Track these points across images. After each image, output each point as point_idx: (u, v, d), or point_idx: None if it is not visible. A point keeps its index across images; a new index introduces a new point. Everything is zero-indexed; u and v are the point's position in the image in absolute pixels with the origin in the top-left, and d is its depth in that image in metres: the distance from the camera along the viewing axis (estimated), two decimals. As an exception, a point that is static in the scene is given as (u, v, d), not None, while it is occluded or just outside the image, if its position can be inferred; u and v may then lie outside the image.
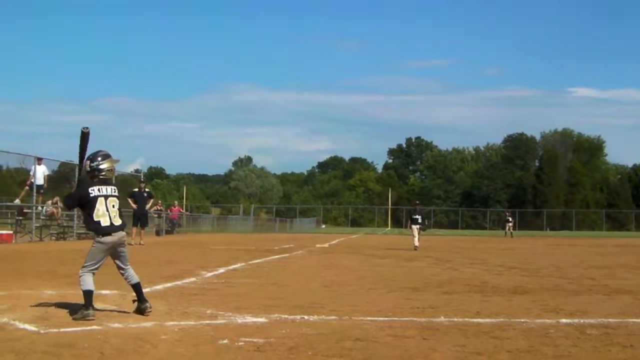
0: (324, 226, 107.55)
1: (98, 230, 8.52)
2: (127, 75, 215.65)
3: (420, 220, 29.82)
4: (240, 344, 6.92)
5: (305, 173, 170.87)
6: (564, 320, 8.80)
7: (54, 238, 30.16)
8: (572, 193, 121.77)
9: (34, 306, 9.05)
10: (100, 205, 8.50)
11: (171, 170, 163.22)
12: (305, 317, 8.60)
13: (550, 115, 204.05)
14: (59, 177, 33.99)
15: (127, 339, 7.02)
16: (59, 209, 31.18)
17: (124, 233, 8.77)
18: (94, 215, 8.49)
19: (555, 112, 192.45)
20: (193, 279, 13.55)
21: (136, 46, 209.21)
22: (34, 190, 28.13)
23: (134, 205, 27.79)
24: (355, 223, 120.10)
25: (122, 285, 11.75)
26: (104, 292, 10.89)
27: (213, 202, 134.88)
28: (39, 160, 28.75)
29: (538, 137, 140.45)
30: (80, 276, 8.48)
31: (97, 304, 9.44)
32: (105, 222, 8.50)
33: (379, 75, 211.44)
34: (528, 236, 63.14)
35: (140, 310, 8.56)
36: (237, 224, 74.85)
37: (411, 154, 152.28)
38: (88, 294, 8.30)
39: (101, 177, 8.65)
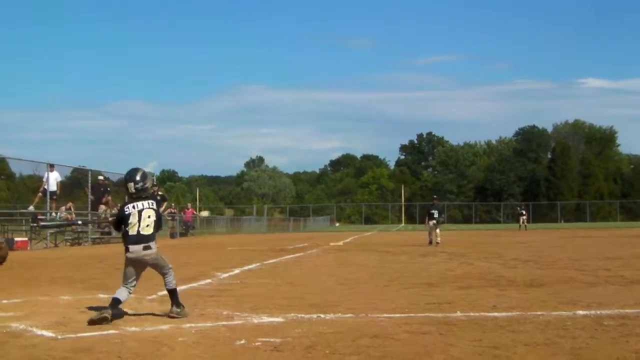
0: (337, 224, 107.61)
1: (125, 240, 8.70)
2: (139, 80, 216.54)
3: (436, 216, 29.86)
4: (257, 344, 6.93)
5: (318, 172, 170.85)
6: (580, 312, 8.78)
7: (68, 244, 30.26)
8: (586, 184, 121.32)
9: (50, 312, 9.08)
10: (132, 218, 8.61)
11: (184, 172, 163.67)
12: (322, 315, 8.60)
13: (562, 107, 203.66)
14: (72, 183, 34.07)
15: (145, 343, 7.04)
16: (73, 215, 31.27)
17: (149, 252, 8.73)
18: (128, 229, 8.62)
19: (566, 103, 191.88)
20: (208, 281, 13.58)
21: (147, 50, 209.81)
22: (47, 196, 28.21)
23: None
24: (369, 220, 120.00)
25: (138, 290, 11.80)
26: (120, 296, 10.92)
27: (226, 204, 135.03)
28: (52, 167, 28.84)
29: (550, 130, 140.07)
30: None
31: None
32: (132, 231, 8.61)
33: (390, 72, 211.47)
34: (542, 229, 62.98)
35: (168, 312, 8.68)
36: (251, 225, 74.93)
37: (423, 150, 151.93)
38: (115, 301, 8.44)
39: (143, 196, 8.82)
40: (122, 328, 7.86)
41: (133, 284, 8.76)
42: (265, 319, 8.48)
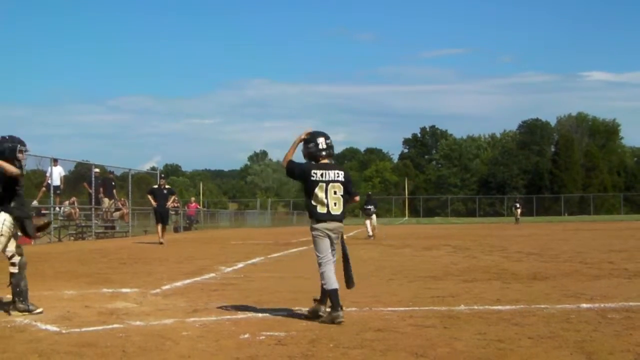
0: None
1: (312, 214, 8.12)
2: (143, 74, 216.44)
3: (373, 210, 31.80)
4: (261, 338, 6.94)
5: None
6: (584, 305, 8.79)
7: (72, 238, 30.25)
8: (590, 177, 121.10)
9: (55, 307, 9.10)
10: (319, 192, 8.04)
11: (187, 167, 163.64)
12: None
13: (565, 100, 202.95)
14: (76, 178, 34.08)
15: (149, 337, 7.05)
16: (77, 210, 31.29)
17: (340, 224, 8.26)
18: (312, 200, 8.07)
19: (570, 96, 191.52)
20: (213, 275, 13.59)
21: (151, 44, 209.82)
22: (51, 191, 28.20)
23: (154, 203, 27.45)
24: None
25: (142, 284, 11.84)
26: (124, 290, 10.97)
27: (230, 198, 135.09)
28: (55, 162, 28.84)
29: (553, 122, 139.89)
30: (321, 273, 8.06)
31: (118, 302, 9.51)
32: (322, 209, 8.05)
33: (394, 66, 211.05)
34: (546, 222, 62.92)
35: (332, 318, 7.80)
36: (255, 219, 74.91)
37: (426, 143, 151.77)
38: (333, 294, 7.86)
39: (322, 158, 8.20)
40: (126, 322, 7.89)
41: (331, 259, 8.23)
42: (270, 312, 8.49)
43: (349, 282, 8.22)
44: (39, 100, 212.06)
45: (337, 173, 8.15)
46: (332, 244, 8.12)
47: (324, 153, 8.18)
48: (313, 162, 8.16)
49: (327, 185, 8.02)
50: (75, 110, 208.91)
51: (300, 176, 8.18)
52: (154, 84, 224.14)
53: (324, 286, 7.91)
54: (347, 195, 8.24)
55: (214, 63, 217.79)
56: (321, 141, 8.19)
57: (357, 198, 8.59)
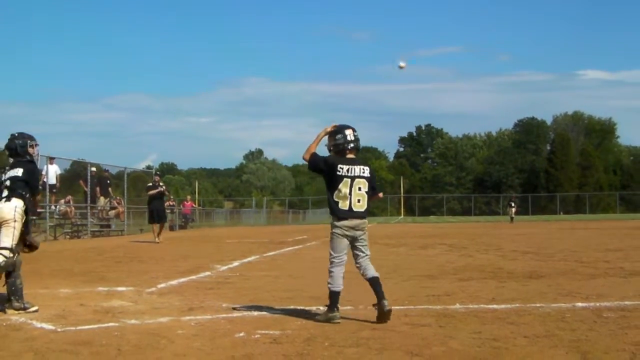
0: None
1: (333, 211, 7.95)
2: (140, 72, 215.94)
3: None
4: (256, 336, 6.94)
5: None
6: (580, 304, 8.79)
7: (68, 237, 30.23)
8: (585, 176, 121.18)
9: (50, 305, 9.08)
10: (344, 187, 7.86)
11: (183, 165, 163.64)
12: (321, 308, 8.55)
13: (561, 99, 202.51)
14: (71, 176, 34.07)
15: (144, 335, 7.04)
16: (72, 208, 31.27)
17: (364, 220, 8.07)
18: (335, 195, 7.90)
19: (566, 95, 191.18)
20: (208, 273, 13.58)
21: (148, 43, 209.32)
22: (47, 189, 28.19)
23: (157, 191, 26.81)
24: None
25: (137, 282, 11.83)
26: (119, 288, 10.96)
27: (225, 196, 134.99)
28: (51, 160, 28.84)
29: (549, 121, 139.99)
30: (329, 271, 7.93)
31: (113, 301, 9.51)
32: (344, 205, 7.88)
33: (390, 65, 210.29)
34: (542, 220, 62.94)
35: (382, 316, 7.71)
36: (250, 217, 74.86)
37: (422, 142, 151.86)
38: (335, 295, 7.83)
39: (349, 152, 8.06)
40: (121, 321, 7.88)
41: (344, 261, 8.05)
42: (265, 311, 8.49)
43: None
44: (35, 99, 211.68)
45: (363, 169, 8.03)
46: (357, 240, 7.97)
47: (352, 145, 8.06)
48: (339, 156, 8.04)
49: (352, 181, 7.89)
50: (71, 109, 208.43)
51: (325, 169, 8.00)
52: (150, 82, 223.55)
53: (329, 285, 7.85)
54: (371, 192, 8.11)
55: (211, 61, 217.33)
56: (349, 133, 8.07)
57: (381, 195, 8.53)
